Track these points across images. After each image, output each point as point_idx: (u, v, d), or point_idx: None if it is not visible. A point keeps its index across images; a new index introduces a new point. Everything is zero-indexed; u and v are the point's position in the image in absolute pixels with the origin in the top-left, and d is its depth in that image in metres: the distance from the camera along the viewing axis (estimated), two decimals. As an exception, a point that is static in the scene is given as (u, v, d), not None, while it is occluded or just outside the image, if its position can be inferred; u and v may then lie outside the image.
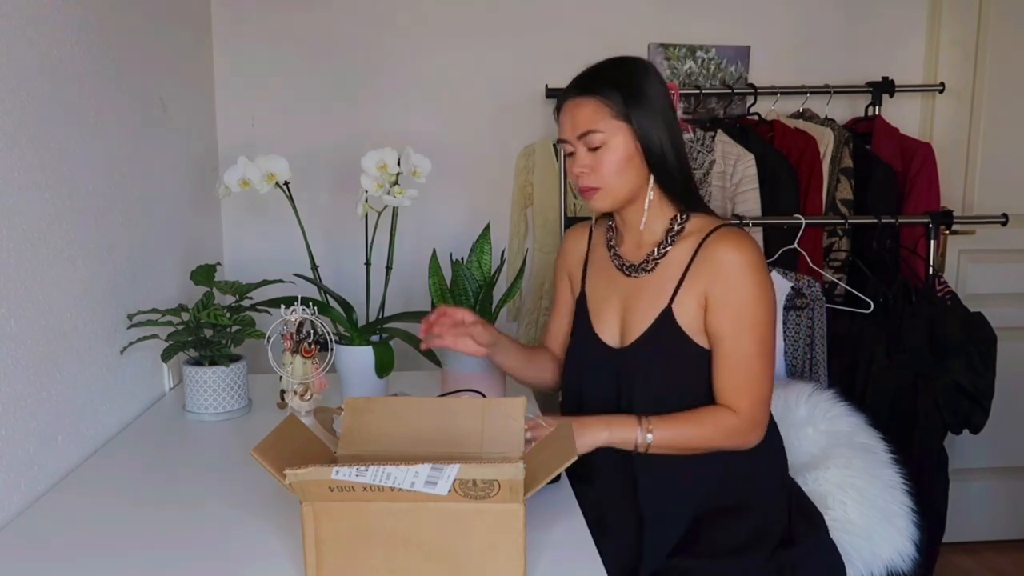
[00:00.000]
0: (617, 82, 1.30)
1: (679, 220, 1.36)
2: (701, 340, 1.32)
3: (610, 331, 1.40)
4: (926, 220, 2.18)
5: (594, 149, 1.30)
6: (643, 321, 1.34)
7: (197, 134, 2.14)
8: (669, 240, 1.36)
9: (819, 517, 1.40)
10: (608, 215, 1.45)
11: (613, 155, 1.30)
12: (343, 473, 0.87)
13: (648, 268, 1.37)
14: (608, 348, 1.40)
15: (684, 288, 1.32)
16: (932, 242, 2.17)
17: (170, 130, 1.90)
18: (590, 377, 1.42)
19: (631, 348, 1.35)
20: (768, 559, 1.29)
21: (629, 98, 1.29)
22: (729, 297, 1.28)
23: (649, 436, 1.27)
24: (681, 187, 1.35)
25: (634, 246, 1.40)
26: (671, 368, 1.32)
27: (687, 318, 1.31)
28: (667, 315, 1.32)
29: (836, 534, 1.40)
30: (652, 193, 1.34)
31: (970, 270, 2.59)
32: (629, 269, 1.39)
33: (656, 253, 1.36)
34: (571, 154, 1.34)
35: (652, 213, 1.35)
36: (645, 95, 1.30)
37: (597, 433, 1.28)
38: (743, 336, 1.28)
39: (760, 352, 1.29)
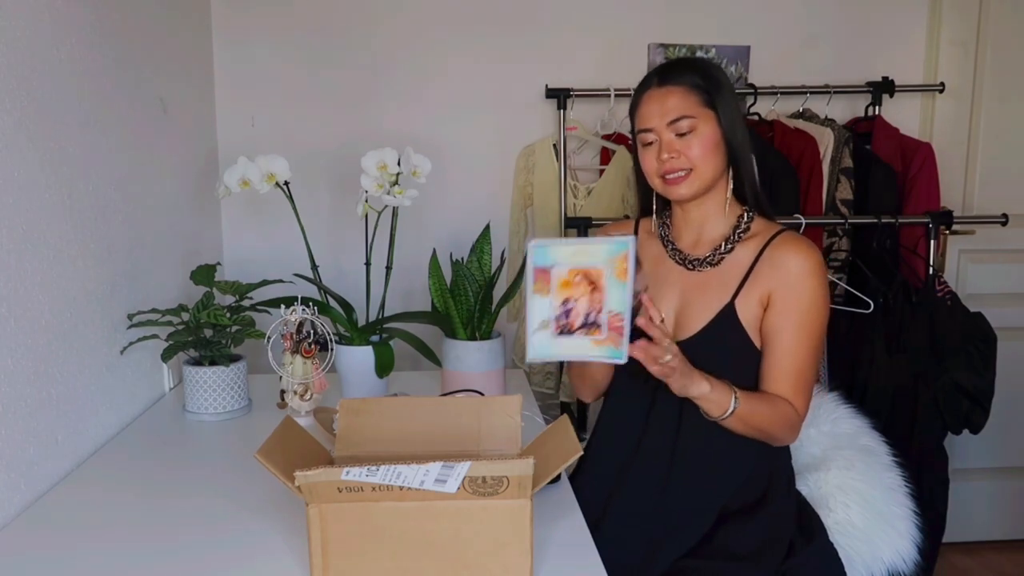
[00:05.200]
0: (700, 73, 1.33)
1: (745, 219, 1.38)
2: (757, 340, 1.34)
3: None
4: (926, 220, 2.17)
5: (683, 135, 1.31)
6: (705, 314, 1.34)
7: (197, 134, 2.14)
8: (736, 237, 1.37)
9: (818, 521, 1.41)
10: (661, 213, 1.46)
11: (703, 140, 1.31)
12: (354, 473, 0.87)
13: (714, 262, 1.37)
14: None
15: (747, 287, 1.33)
16: (932, 242, 2.17)
17: (170, 130, 1.90)
18: (628, 373, 1.36)
19: (691, 341, 1.34)
20: (778, 568, 1.30)
21: (713, 89, 1.32)
22: (795, 301, 1.31)
23: (738, 403, 1.27)
24: (749, 186, 1.37)
25: (693, 242, 1.40)
26: (728, 364, 1.31)
27: (748, 316, 1.33)
28: (730, 310, 1.33)
29: (837, 537, 1.40)
30: (731, 184, 1.36)
31: (970, 270, 2.59)
32: (692, 263, 1.38)
33: (723, 248, 1.37)
34: (650, 144, 1.34)
35: (719, 208, 1.37)
36: (726, 88, 1.34)
37: (701, 383, 1.25)
38: (804, 339, 1.31)
39: (815, 356, 1.33)
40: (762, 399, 1.30)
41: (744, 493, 1.35)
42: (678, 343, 1.32)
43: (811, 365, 1.33)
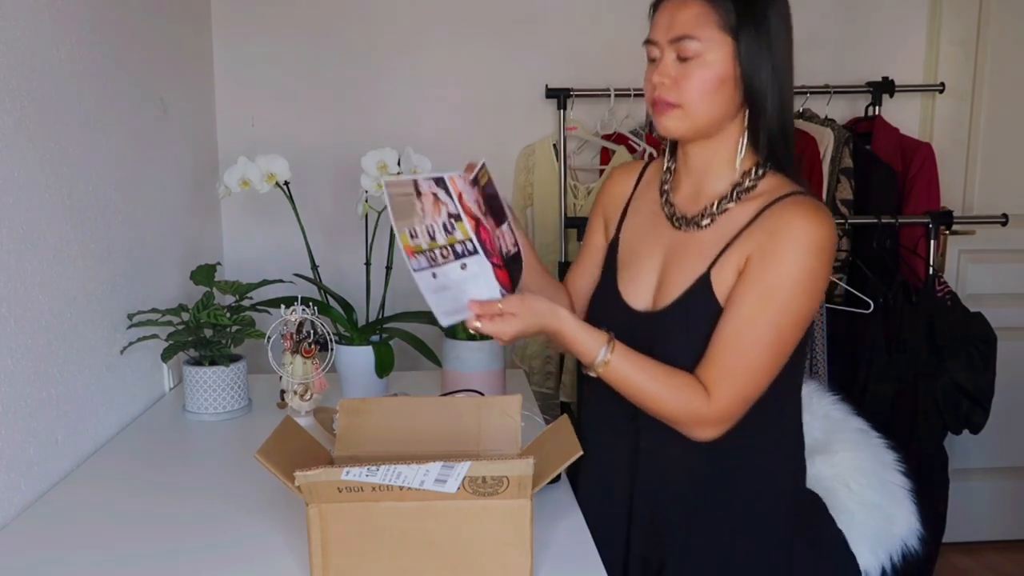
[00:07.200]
0: None
1: (753, 175, 1.14)
2: None
3: (642, 290, 1.19)
4: (926, 220, 2.18)
5: (684, 60, 1.09)
6: (681, 283, 1.14)
7: (197, 134, 2.14)
8: (735, 196, 1.14)
9: (830, 536, 1.30)
10: (670, 155, 1.24)
11: (705, 71, 1.08)
12: (354, 473, 0.87)
13: (701, 223, 1.15)
14: (632, 312, 1.19)
15: (729, 253, 1.11)
16: (932, 242, 2.17)
17: (170, 130, 1.90)
18: None
19: (660, 314, 1.15)
20: None
21: (744, 13, 1.08)
22: (768, 269, 1.07)
23: (609, 356, 1.09)
24: (772, 139, 1.12)
25: (691, 195, 1.19)
26: (698, 344, 1.11)
27: (725, 288, 1.11)
28: (704, 282, 1.12)
29: (858, 516, 1.38)
30: (746, 133, 1.13)
31: (970, 270, 2.59)
32: (680, 220, 1.18)
33: (716, 207, 1.14)
34: (653, 60, 1.14)
35: (727, 159, 1.15)
36: (764, 17, 1.10)
37: (564, 320, 1.09)
38: (763, 318, 1.07)
39: (772, 346, 1.08)
40: (655, 369, 1.10)
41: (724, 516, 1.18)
42: (647, 315, 1.17)
43: (760, 355, 1.07)
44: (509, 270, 1.10)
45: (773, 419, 1.18)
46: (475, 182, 1.05)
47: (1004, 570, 2.57)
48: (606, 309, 1.23)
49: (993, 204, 2.47)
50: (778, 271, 1.06)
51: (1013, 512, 2.69)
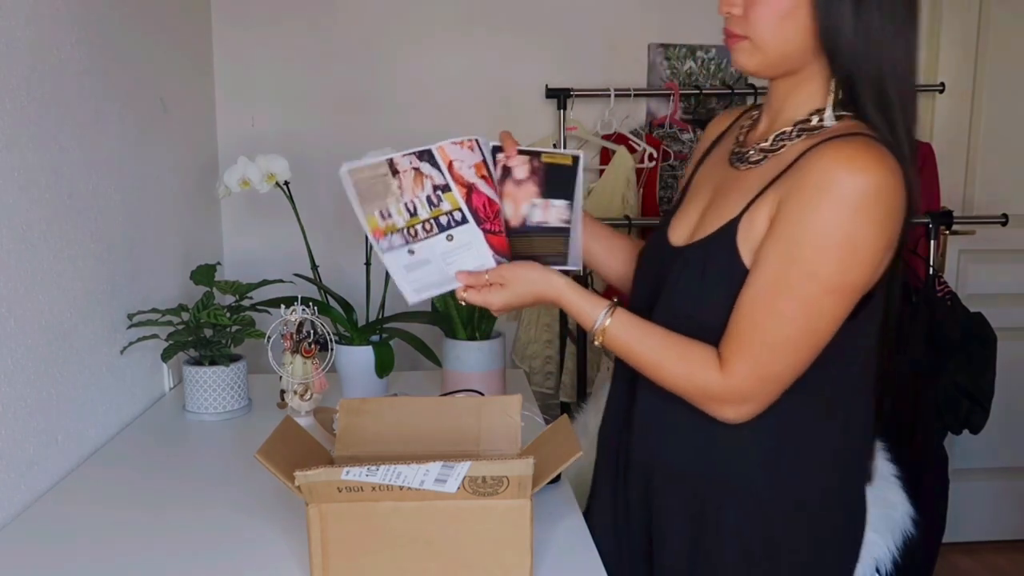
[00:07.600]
0: None
1: (820, 118, 1.00)
2: None
3: (684, 227, 1.11)
4: (926, 220, 2.17)
5: None
6: (713, 224, 1.04)
7: (197, 134, 2.14)
8: (795, 133, 1.01)
9: None
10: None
11: (772, 1, 0.96)
12: (353, 473, 0.87)
13: (752, 159, 1.05)
14: (667, 247, 1.11)
15: (764, 196, 0.99)
16: (932, 242, 2.17)
17: (170, 130, 1.90)
18: (639, 276, 1.17)
19: (681, 251, 1.07)
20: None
21: None
22: (792, 223, 0.94)
23: (607, 322, 1.03)
24: (852, 81, 0.97)
25: (760, 135, 1.08)
26: (706, 293, 1.02)
27: (751, 237, 0.99)
28: (730, 228, 1.01)
29: (872, 508, 1.36)
30: (834, 77, 0.99)
31: (970, 270, 2.59)
32: (735, 157, 1.09)
33: (769, 143, 1.03)
34: None
35: (808, 100, 1.02)
36: None
37: (560, 288, 1.06)
38: (785, 283, 0.94)
39: (798, 318, 0.94)
40: (664, 339, 1.01)
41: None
42: (674, 249, 1.09)
43: (776, 333, 0.95)
44: (509, 236, 1.09)
45: (794, 412, 1.02)
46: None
47: (1004, 570, 2.57)
48: (653, 243, 1.17)
49: (993, 204, 2.47)
50: (803, 225, 0.93)
51: (1013, 512, 2.69)
